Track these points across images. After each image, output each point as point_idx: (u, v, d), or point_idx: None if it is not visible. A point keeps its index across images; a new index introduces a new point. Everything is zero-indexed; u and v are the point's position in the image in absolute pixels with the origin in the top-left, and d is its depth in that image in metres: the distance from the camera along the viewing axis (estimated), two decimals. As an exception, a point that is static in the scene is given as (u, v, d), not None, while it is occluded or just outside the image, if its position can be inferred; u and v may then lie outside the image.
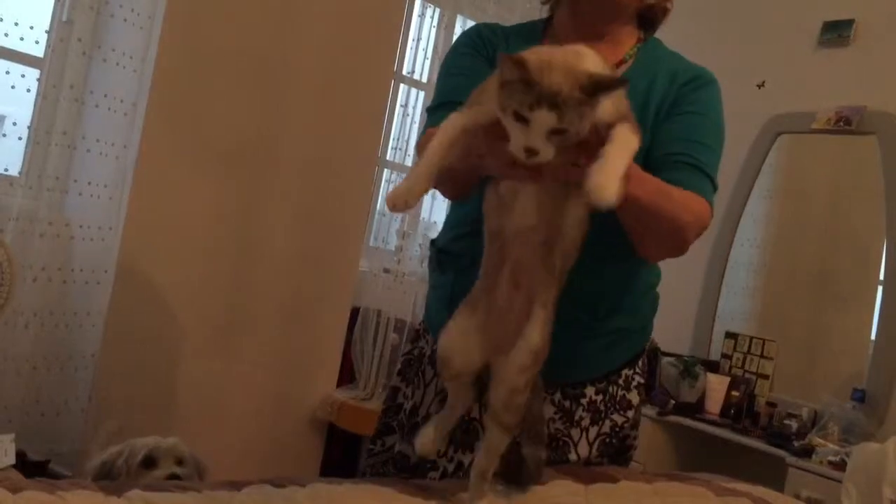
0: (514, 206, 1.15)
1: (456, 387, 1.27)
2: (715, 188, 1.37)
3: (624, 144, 1.03)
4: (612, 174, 1.00)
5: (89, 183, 2.53)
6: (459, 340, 1.21)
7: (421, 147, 1.39)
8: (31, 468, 2.07)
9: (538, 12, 1.60)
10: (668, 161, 1.32)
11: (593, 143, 1.03)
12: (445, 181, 1.30)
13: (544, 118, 0.98)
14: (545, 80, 0.97)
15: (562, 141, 1.00)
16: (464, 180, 1.27)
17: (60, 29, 2.44)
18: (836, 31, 3.56)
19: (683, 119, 1.39)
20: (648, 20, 1.51)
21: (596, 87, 0.99)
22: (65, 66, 2.42)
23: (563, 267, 1.19)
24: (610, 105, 1.04)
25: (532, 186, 1.13)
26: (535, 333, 1.17)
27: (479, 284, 1.23)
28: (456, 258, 1.47)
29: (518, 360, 1.17)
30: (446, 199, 3.66)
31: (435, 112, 1.45)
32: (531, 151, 1.00)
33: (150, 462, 1.86)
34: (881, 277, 3.34)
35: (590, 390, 1.47)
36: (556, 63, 0.99)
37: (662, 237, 1.29)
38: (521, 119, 0.99)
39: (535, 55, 1.01)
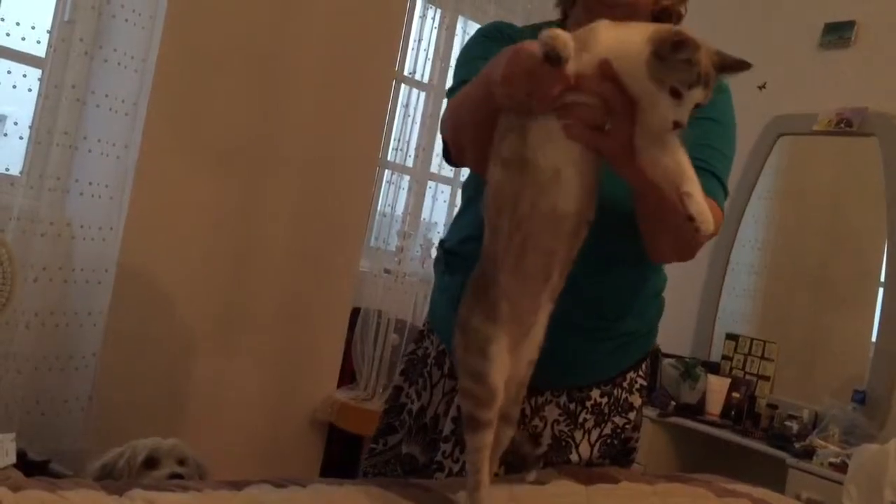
0: (557, 184, 1.09)
1: (492, 423, 1.15)
2: (726, 194, 1.37)
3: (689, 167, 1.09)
4: (704, 202, 1.07)
5: (90, 183, 2.53)
6: (505, 366, 1.13)
7: (448, 116, 1.37)
8: (31, 467, 2.07)
9: (539, 14, 1.60)
10: None
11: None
12: (475, 128, 1.24)
13: (698, 95, 1.03)
14: (703, 61, 1.02)
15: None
16: (489, 127, 1.19)
17: (62, 29, 2.44)
18: (838, 33, 3.56)
19: (697, 124, 1.39)
20: (661, 23, 1.51)
21: (723, 66, 1.05)
22: (66, 66, 2.42)
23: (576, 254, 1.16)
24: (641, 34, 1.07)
25: (576, 166, 1.09)
26: (541, 328, 1.16)
27: (498, 288, 1.14)
28: (464, 260, 1.47)
29: (528, 355, 1.16)
30: (447, 202, 3.64)
31: (454, 91, 1.43)
32: (679, 125, 1.04)
33: (151, 462, 1.87)
34: (882, 279, 3.34)
35: (595, 393, 1.47)
36: (700, 42, 1.03)
37: (676, 236, 1.28)
38: (676, 94, 1.02)
39: (665, 30, 1.04)
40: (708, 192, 1.29)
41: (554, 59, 1.02)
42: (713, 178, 1.34)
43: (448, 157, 1.42)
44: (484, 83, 1.17)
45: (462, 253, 1.48)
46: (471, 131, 1.26)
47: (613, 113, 1.06)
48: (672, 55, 1.01)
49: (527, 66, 1.06)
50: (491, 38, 1.47)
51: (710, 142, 1.35)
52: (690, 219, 1.06)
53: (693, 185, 1.07)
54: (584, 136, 1.08)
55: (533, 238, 1.11)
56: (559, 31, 1.03)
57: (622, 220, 1.24)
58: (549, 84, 1.05)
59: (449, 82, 1.62)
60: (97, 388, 2.55)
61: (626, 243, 1.29)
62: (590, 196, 1.12)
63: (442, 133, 1.40)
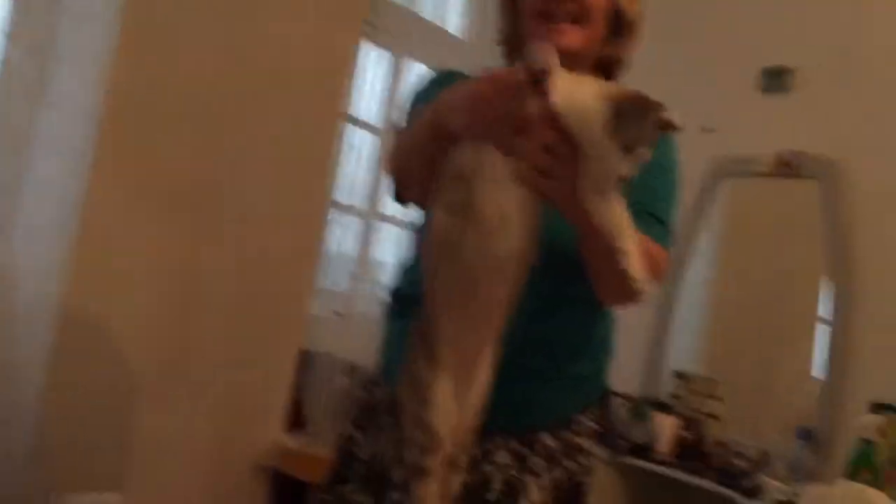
0: (502, 233, 1.10)
1: (440, 471, 1.14)
2: (672, 236, 1.39)
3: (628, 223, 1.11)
4: (638, 260, 1.10)
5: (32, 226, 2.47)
6: (449, 412, 1.13)
7: (395, 151, 1.36)
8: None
9: (488, 59, 1.62)
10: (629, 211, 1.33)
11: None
12: (420, 160, 1.24)
13: (646, 153, 1.08)
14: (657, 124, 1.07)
15: None
16: (437, 159, 1.20)
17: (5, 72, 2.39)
18: (776, 78, 3.66)
19: (644, 169, 1.41)
20: (605, 71, 1.53)
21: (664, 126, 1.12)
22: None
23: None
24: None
25: (520, 211, 1.10)
26: (486, 373, 1.15)
27: (438, 333, 1.14)
28: (415, 301, 1.46)
29: (475, 400, 1.15)
30: (395, 242, 3.63)
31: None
32: (624, 179, 1.08)
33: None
34: (822, 316, 3.41)
35: (545, 436, 1.46)
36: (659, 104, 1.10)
37: (618, 281, 1.28)
38: (628, 150, 1.05)
39: (627, 92, 1.08)
40: (653, 235, 1.31)
41: (539, 73, 1.04)
42: (657, 223, 1.36)
43: (395, 194, 1.42)
44: (432, 116, 1.17)
45: (413, 294, 1.48)
46: (416, 167, 1.25)
47: (557, 159, 1.07)
48: (633, 114, 1.03)
49: (504, 86, 1.07)
50: (441, 85, 1.48)
51: (655, 186, 1.37)
52: (627, 276, 1.08)
53: (629, 243, 1.08)
54: (533, 181, 1.09)
55: (477, 284, 1.10)
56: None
57: (569, 261, 1.25)
58: (526, 104, 1.06)
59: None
60: (37, 437, 2.47)
61: (574, 285, 1.30)
62: (532, 239, 1.12)
63: (385, 170, 1.39)
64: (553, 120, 1.06)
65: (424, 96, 1.50)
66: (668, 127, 1.08)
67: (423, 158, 1.22)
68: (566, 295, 1.25)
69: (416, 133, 1.23)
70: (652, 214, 1.35)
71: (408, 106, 1.56)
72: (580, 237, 1.20)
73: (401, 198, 1.40)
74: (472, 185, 1.10)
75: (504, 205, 1.09)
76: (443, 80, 1.50)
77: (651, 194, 1.35)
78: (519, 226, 1.10)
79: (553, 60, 1.07)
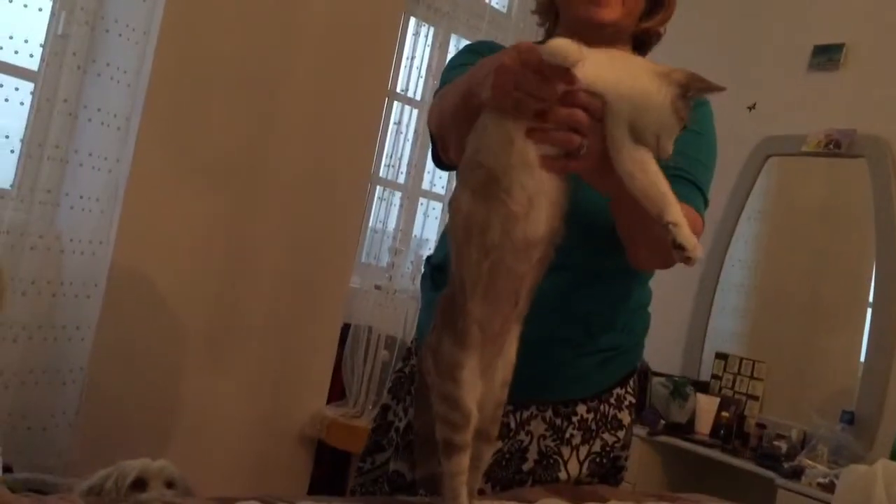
0: (529, 214, 1.10)
1: (467, 446, 1.15)
2: (706, 204, 1.39)
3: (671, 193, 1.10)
4: (689, 231, 1.08)
5: (81, 196, 2.52)
6: (476, 389, 1.13)
7: (432, 114, 1.37)
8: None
9: (531, 33, 1.62)
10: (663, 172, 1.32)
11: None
12: (456, 122, 1.24)
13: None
14: None
15: None
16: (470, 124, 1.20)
17: (55, 43, 2.44)
18: (827, 55, 3.59)
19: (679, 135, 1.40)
20: (642, 43, 1.53)
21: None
22: (59, 80, 2.42)
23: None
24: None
25: (547, 195, 1.10)
26: (513, 349, 1.16)
27: (467, 314, 1.14)
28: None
29: (502, 376, 1.16)
30: (438, 218, 3.64)
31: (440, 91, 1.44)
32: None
33: (139, 484, 1.85)
34: (871, 300, 3.35)
35: (581, 408, 1.47)
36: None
37: (654, 241, 1.28)
38: (683, 128, 1.09)
39: (687, 72, 1.11)
40: (688, 200, 1.30)
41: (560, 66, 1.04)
42: (693, 187, 1.35)
43: (437, 156, 1.42)
44: (466, 83, 1.18)
45: (449, 268, 1.49)
46: (452, 131, 1.26)
47: (586, 138, 1.07)
48: (695, 94, 1.08)
49: (533, 62, 1.07)
50: (478, 53, 1.48)
51: (690, 152, 1.36)
52: (680, 247, 1.07)
53: (677, 215, 1.07)
54: (562, 167, 1.09)
55: (502, 265, 1.11)
56: (566, 43, 1.04)
57: (605, 233, 1.25)
58: (550, 85, 1.06)
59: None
60: (84, 403, 2.54)
61: (610, 256, 1.30)
62: (559, 219, 1.13)
63: (428, 126, 1.40)
64: (582, 100, 1.06)
65: (461, 60, 1.51)
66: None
67: (456, 122, 1.22)
68: (602, 267, 1.25)
69: (452, 98, 1.23)
70: (687, 180, 1.34)
71: (445, 69, 1.57)
72: (613, 203, 1.21)
73: (440, 161, 1.42)
74: (498, 167, 1.11)
75: (531, 188, 1.10)
76: (481, 50, 1.50)
77: (686, 159, 1.34)
78: (545, 211, 1.11)
79: (574, 51, 1.06)
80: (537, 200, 1.10)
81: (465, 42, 3.68)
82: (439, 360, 1.15)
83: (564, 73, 1.05)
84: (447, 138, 1.31)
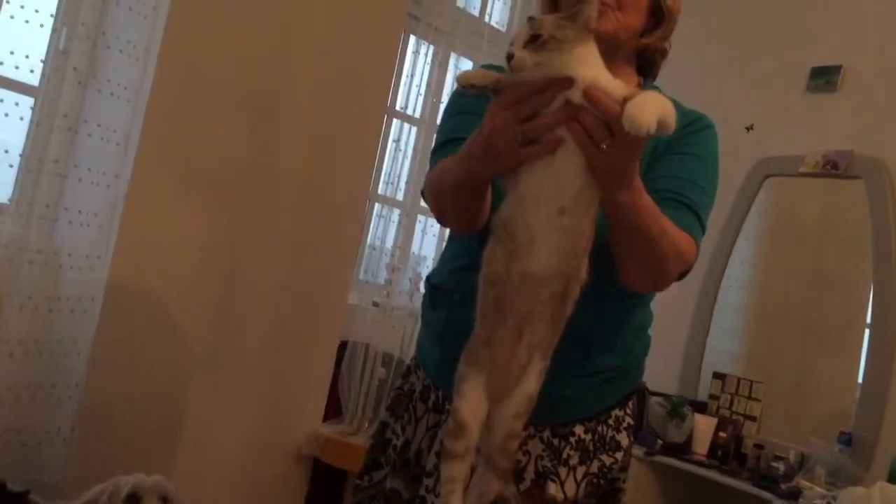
0: (531, 250, 1.14)
1: (467, 458, 1.20)
2: (703, 230, 1.38)
3: (658, 96, 1.09)
4: (648, 108, 1.05)
5: (80, 211, 2.52)
6: (476, 403, 1.19)
7: (428, 184, 1.41)
8: (10, 499, 2.05)
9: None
10: (660, 197, 1.31)
11: (616, 121, 1.07)
12: (455, 202, 1.32)
13: None
14: None
15: None
16: (471, 202, 1.28)
17: (56, 58, 2.45)
18: (825, 77, 3.62)
19: (679, 159, 1.40)
20: (647, 63, 1.53)
21: None
22: (59, 96, 2.42)
23: (569, 312, 1.20)
24: (619, 86, 1.11)
25: (555, 232, 1.13)
26: (533, 382, 1.19)
27: (477, 336, 1.20)
28: (449, 294, 1.48)
29: (515, 408, 1.19)
30: (437, 235, 3.65)
31: (438, 151, 1.47)
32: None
33: (133, 500, 1.85)
34: (868, 321, 3.35)
35: (579, 429, 1.46)
36: None
37: (645, 262, 1.29)
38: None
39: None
40: (683, 225, 1.31)
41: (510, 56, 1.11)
42: (689, 212, 1.35)
43: (436, 217, 1.48)
44: (464, 160, 1.23)
45: (446, 286, 1.50)
46: (453, 203, 1.34)
47: (614, 135, 1.09)
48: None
49: (516, 97, 1.11)
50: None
51: (688, 176, 1.37)
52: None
53: (637, 98, 1.08)
54: (586, 143, 1.10)
55: (506, 298, 1.17)
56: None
57: (605, 254, 1.26)
58: (544, 97, 1.11)
59: (440, 117, 1.66)
60: (80, 418, 2.52)
61: (610, 278, 1.30)
62: (577, 258, 1.15)
63: (424, 192, 1.46)
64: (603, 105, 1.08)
65: (455, 107, 1.52)
66: None
67: (458, 203, 1.32)
68: (602, 289, 1.25)
69: (451, 176, 1.28)
70: (685, 204, 1.35)
71: (442, 119, 1.59)
72: (611, 223, 1.22)
73: (438, 220, 1.49)
74: (508, 208, 1.17)
75: (534, 225, 1.13)
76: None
77: (685, 183, 1.35)
78: (554, 246, 1.14)
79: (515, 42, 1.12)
80: (540, 238, 1.11)
81: (464, 61, 3.70)
82: (455, 374, 1.22)
83: (559, 83, 1.08)
84: (446, 212, 1.39)
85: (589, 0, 1.12)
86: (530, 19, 1.13)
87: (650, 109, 1.04)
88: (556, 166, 1.13)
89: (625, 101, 1.06)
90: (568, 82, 1.09)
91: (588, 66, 1.10)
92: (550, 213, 1.13)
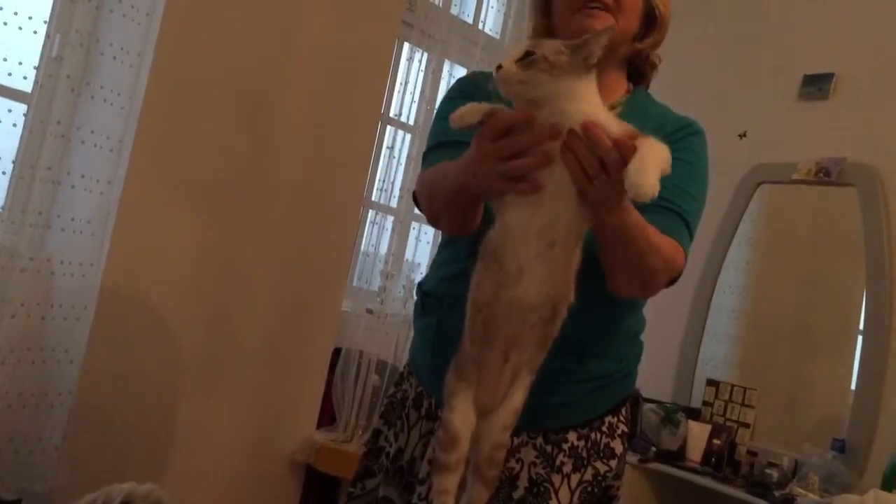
0: (519, 282, 1.17)
1: (459, 469, 1.23)
2: (692, 237, 1.39)
3: (656, 146, 1.10)
4: (650, 170, 1.06)
5: (73, 218, 2.52)
6: (467, 416, 1.22)
7: (421, 188, 1.42)
8: (2, 507, 2.03)
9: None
10: (648, 204, 1.33)
11: (612, 160, 1.08)
12: (448, 208, 1.34)
13: None
14: None
15: None
16: (465, 209, 1.31)
17: (49, 65, 2.44)
18: (817, 85, 3.63)
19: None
20: (638, 72, 1.54)
21: None
22: (52, 102, 2.42)
23: (557, 333, 1.22)
24: (616, 124, 1.12)
25: (545, 264, 1.15)
26: (519, 397, 1.23)
27: (465, 353, 1.23)
28: (440, 301, 1.48)
29: (502, 420, 1.23)
30: (431, 242, 3.65)
31: (429, 155, 1.48)
32: None
33: (126, 509, 1.84)
34: (861, 327, 3.36)
35: (572, 436, 1.46)
36: None
37: (633, 273, 1.29)
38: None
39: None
40: (671, 232, 1.31)
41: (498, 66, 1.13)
42: (677, 219, 1.36)
43: (428, 220, 1.50)
44: (457, 173, 1.25)
45: (437, 293, 1.50)
46: (445, 211, 1.36)
47: (605, 167, 1.10)
48: None
49: (497, 130, 1.14)
50: (464, 94, 1.49)
51: (679, 183, 1.37)
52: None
53: (639, 158, 1.08)
54: (581, 177, 1.11)
55: (493, 322, 1.20)
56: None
57: (596, 262, 1.26)
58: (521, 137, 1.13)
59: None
60: (72, 426, 2.51)
61: (601, 285, 1.30)
62: (566, 285, 1.17)
63: (414, 202, 1.48)
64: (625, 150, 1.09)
65: (445, 111, 1.52)
66: None
67: (450, 212, 1.35)
68: (593, 296, 1.26)
69: (450, 182, 1.29)
70: (673, 211, 1.35)
71: (433, 122, 1.60)
72: (604, 241, 1.23)
73: (430, 223, 1.51)
74: (496, 238, 1.19)
75: (523, 258, 1.15)
76: (464, 91, 1.51)
77: (674, 190, 1.35)
78: (542, 277, 1.16)
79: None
80: (529, 270, 1.15)
81: (458, 68, 3.70)
82: (444, 387, 1.25)
83: (547, 130, 1.12)
84: (439, 216, 1.41)
85: (596, 35, 1.11)
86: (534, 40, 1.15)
87: (652, 171, 1.06)
88: (547, 200, 1.14)
89: (617, 141, 1.07)
90: (556, 131, 1.10)
91: (573, 102, 1.11)
92: (540, 246, 1.16)
